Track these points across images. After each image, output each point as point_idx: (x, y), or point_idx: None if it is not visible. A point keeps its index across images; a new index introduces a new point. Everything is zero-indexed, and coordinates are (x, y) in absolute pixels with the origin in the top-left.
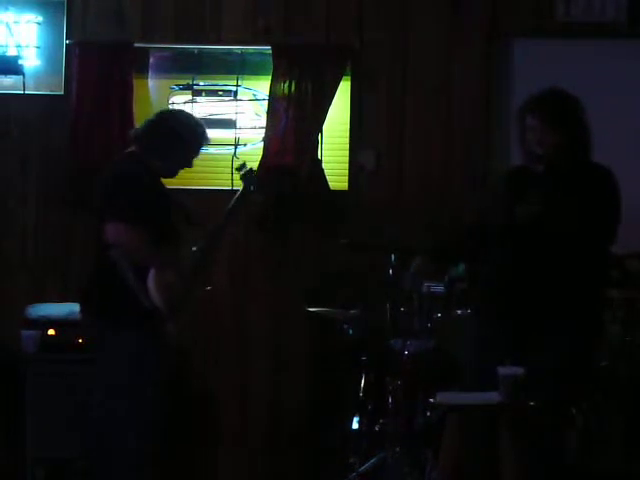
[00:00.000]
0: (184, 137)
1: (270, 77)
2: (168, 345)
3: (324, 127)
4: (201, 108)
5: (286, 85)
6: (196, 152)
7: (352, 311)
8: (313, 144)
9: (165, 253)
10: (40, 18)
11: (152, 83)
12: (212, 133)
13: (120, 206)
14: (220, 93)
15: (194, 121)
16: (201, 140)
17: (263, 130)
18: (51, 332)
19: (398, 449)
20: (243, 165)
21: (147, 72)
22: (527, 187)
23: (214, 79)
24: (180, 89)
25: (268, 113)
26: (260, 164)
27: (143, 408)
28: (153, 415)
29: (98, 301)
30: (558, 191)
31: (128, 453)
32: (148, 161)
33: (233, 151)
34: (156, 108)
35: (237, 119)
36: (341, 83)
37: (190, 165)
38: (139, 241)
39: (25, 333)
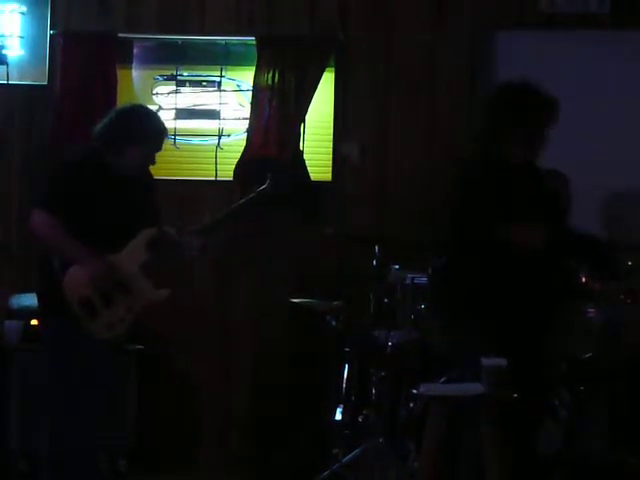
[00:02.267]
0: (139, 133)
1: (254, 68)
2: (90, 334)
3: (307, 118)
4: (185, 98)
5: (270, 76)
6: (155, 147)
7: (335, 302)
8: (296, 135)
9: (93, 250)
10: (24, 8)
11: (136, 73)
12: (196, 123)
13: (42, 194)
14: (204, 84)
15: (151, 116)
16: (158, 136)
17: (247, 121)
18: (34, 322)
19: (381, 440)
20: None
21: (131, 62)
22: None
23: (198, 70)
24: (164, 79)
25: (252, 104)
26: (244, 154)
27: (70, 395)
28: (81, 402)
29: (37, 288)
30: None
31: (63, 439)
32: (107, 157)
33: (217, 142)
34: (140, 98)
35: (221, 110)
36: (325, 74)
37: (152, 161)
38: (52, 230)
39: (8, 324)
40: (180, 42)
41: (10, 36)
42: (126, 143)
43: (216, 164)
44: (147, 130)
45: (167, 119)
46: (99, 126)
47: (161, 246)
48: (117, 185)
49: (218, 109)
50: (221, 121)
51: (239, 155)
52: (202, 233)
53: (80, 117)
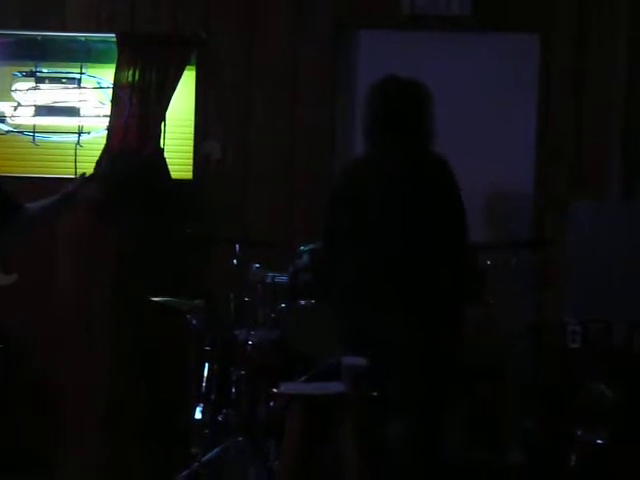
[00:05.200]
0: None
1: (114, 65)
2: None
3: (168, 116)
4: (44, 95)
5: (130, 73)
6: None
7: (196, 301)
8: (156, 133)
9: None
10: None
11: None
12: (55, 121)
13: None
14: (64, 80)
15: None
16: None
17: (107, 118)
18: None
19: (241, 439)
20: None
21: None
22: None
23: (58, 66)
24: (23, 76)
25: (112, 101)
26: (104, 152)
27: None
28: None
29: None
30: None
31: None
32: None
33: (77, 139)
34: None
35: (81, 107)
36: (186, 72)
37: None
38: None
39: None
40: (40, 38)
41: None
42: None
43: (75, 162)
44: None
45: (26, 116)
46: None
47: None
48: None
49: (78, 106)
50: (81, 118)
51: (99, 153)
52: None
53: None
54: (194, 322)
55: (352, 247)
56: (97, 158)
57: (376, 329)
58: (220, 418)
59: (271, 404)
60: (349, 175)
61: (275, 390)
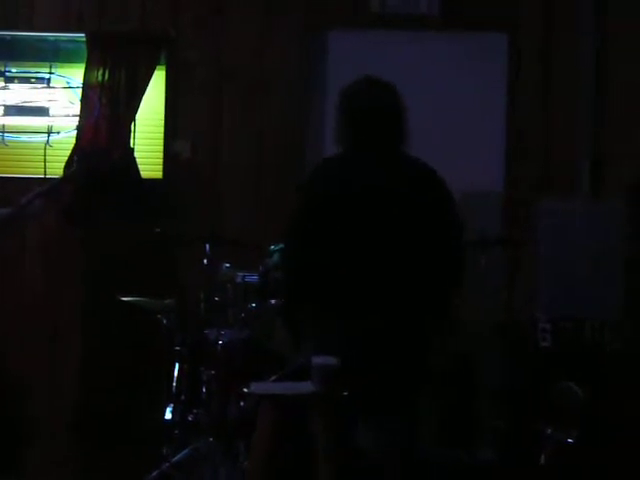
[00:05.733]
0: None
1: (84, 65)
2: None
3: (138, 116)
4: (13, 95)
5: (100, 73)
6: None
7: (166, 301)
8: (126, 133)
9: None
10: None
11: None
12: (25, 120)
13: None
14: (33, 80)
15: None
16: None
17: (76, 118)
18: None
19: (211, 439)
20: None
21: None
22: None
23: (27, 66)
24: None
25: (81, 101)
26: (73, 151)
27: None
28: None
29: None
30: None
31: None
32: None
33: (46, 139)
34: None
35: (50, 107)
36: (156, 72)
37: None
38: None
39: None
40: (9, 38)
41: None
42: None
43: (45, 162)
44: None
45: None
46: None
47: None
48: None
49: (47, 106)
50: (50, 118)
51: (69, 153)
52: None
53: None
54: (164, 322)
55: (333, 252)
56: (67, 158)
57: (351, 332)
58: (190, 418)
59: (241, 404)
60: (329, 180)
61: (245, 390)
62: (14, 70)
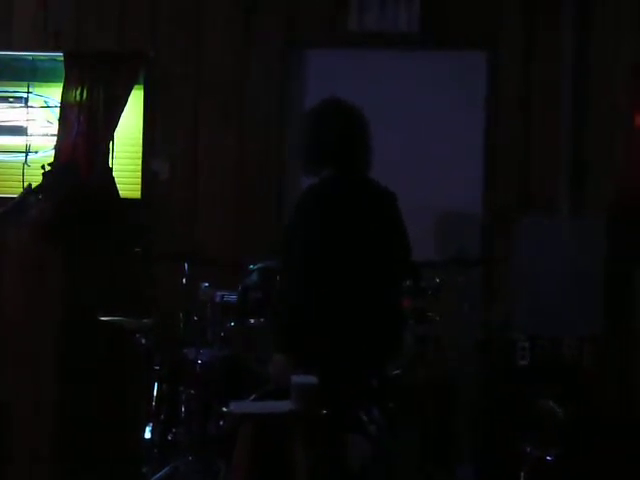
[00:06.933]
0: None
1: (62, 84)
2: None
3: (116, 135)
4: None
5: (78, 92)
6: None
7: (145, 320)
8: (104, 152)
9: None
10: None
11: None
12: (2, 140)
13: None
14: (11, 100)
15: None
16: None
17: (55, 137)
18: None
19: (191, 458)
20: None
21: None
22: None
23: (4, 85)
24: None
25: (60, 120)
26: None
27: None
28: None
29: None
30: None
31: None
32: None
33: (24, 158)
34: None
35: (28, 126)
36: (134, 91)
37: None
38: None
39: None
40: None
41: None
42: None
43: (23, 181)
44: None
45: None
46: None
47: None
48: None
49: (25, 125)
50: (28, 137)
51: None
52: None
53: None
54: (143, 341)
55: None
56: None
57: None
58: (170, 437)
59: (221, 423)
60: (323, 202)
61: (225, 409)
62: None
